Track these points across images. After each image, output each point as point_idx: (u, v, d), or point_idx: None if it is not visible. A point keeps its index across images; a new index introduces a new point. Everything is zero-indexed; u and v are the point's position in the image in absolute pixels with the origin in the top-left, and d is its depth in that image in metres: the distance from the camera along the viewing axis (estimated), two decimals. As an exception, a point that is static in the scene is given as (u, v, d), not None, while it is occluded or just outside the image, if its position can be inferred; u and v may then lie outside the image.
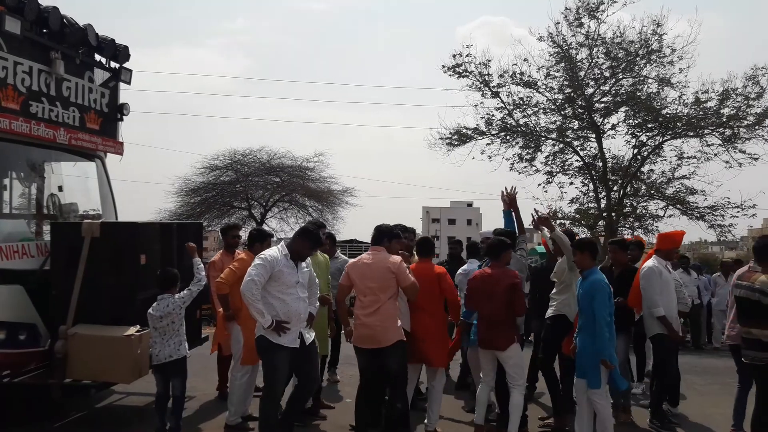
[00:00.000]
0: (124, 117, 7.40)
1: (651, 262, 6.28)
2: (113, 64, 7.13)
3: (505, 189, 6.51)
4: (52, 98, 6.24)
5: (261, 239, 6.20)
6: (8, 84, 5.66)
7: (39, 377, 5.54)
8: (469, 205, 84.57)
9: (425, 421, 5.82)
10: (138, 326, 5.50)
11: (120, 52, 7.08)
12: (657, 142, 18.84)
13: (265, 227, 20.77)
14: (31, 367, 5.57)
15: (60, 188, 7.18)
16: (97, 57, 6.96)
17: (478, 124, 19.48)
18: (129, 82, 7.34)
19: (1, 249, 5.63)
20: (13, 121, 5.69)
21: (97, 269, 5.61)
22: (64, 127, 6.39)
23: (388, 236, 5.55)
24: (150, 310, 5.37)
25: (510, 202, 6.45)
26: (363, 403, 5.51)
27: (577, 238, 6.33)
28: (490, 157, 19.60)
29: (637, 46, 18.01)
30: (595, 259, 5.51)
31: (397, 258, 5.37)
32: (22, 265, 5.76)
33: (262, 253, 5.08)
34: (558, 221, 18.52)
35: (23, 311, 5.61)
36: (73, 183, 7.39)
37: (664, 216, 18.93)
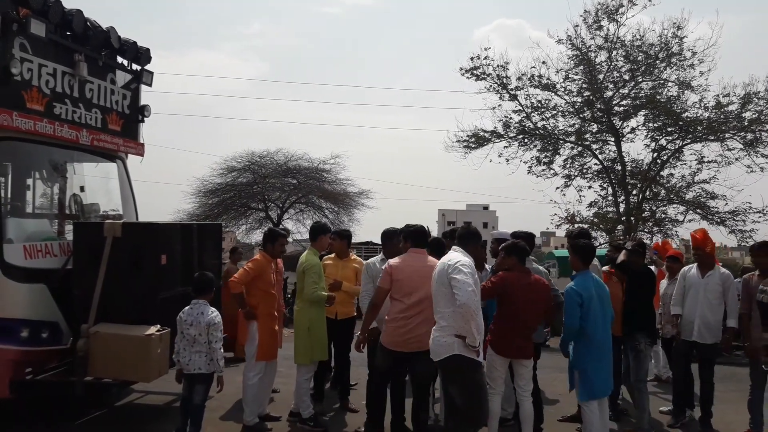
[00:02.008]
0: (145, 118, 7.49)
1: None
2: (135, 66, 7.21)
3: None
4: (76, 100, 6.32)
5: (272, 239, 6.21)
6: (33, 86, 5.75)
7: (61, 375, 5.61)
8: (485, 207, 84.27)
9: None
10: (158, 326, 5.54)
11: (141, 55, 7.16)
12: (677, 146, 18.69)
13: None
14: (54, 364, 5.66)
15: (82, 188, 7.26)
16: (119, 59, 7.04)
17: (495, 127, 19.49)
18: (150, 84, 7.42)
19: (25, 248, 5.72)
20: (37, 122, 5.78)
21: (118, 269, 5.67)
22: (86, 128, 6.47)
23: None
24: (181, 314, 5.18)
25: None
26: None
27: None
28: (508, 160, 19.59)
29: (657, 49, 17.89)
30: (587, 263, 5.39)
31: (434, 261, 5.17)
32: (45, 264, 5.84)
33: (460, 261, 4.67)
34: (576, 225, 18.44)
35: (46, 310, 5.68)
36: (95, 183, 7.48)
37: (683, 220, 18.79)
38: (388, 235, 6.12)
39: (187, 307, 5.22)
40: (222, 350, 5.21)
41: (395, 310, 5.28)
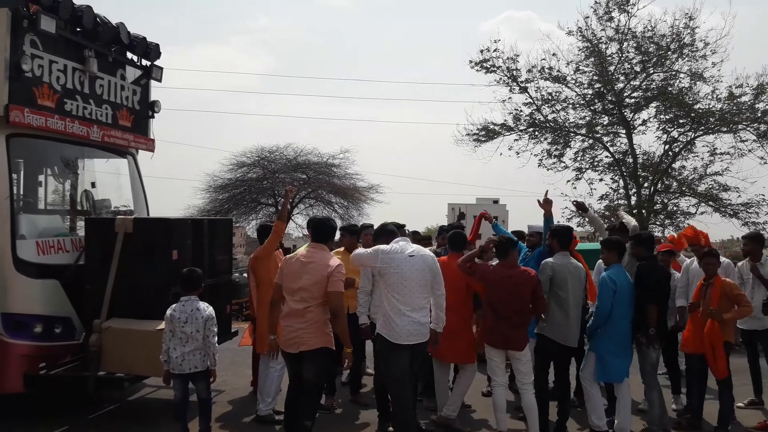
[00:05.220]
0: (155, 114, 7.50)
1: None
2: (144, 62, 7.22)
3: (545, 193, 6.39)
4: (86, 96, 6.34)
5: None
6: (44, 82, 5.77)
7: (74, 370, 5.66)
8: (495, 201, 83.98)
9: (447, 405, 5.75)
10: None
11: (151, 50, 7.16)
12: (689, 138, 18.54)
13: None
14: (67, 359, 5.71)
15: (93, 184, 7.30)
16: (129, 55, 7.05)
17: (505, 120, 19.40)
18: (160, 80, 7.42)
19: (38, 244, 5.76)
20: (48, 118, 5.80)
21: (130, 264, 5.70)
22: (97, 124, 6.49)
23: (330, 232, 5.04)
24: (173, 312, 4.99)
25: (546, 208, 6.24)
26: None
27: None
28: (518, 153, 19.51)
29: (668, 40, 17.74)
30: (620, 257, 5.61)
31: (335, 260, 4.76)
32: (57, 259, 5.89)
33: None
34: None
35: (59, 305, 5.73)
36: (106, 179, 7.50)
37: (695, 213, 18.66)
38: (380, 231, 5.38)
39: (177, 305, 5.04)
40: (217, 344, 5.14)
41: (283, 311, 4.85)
